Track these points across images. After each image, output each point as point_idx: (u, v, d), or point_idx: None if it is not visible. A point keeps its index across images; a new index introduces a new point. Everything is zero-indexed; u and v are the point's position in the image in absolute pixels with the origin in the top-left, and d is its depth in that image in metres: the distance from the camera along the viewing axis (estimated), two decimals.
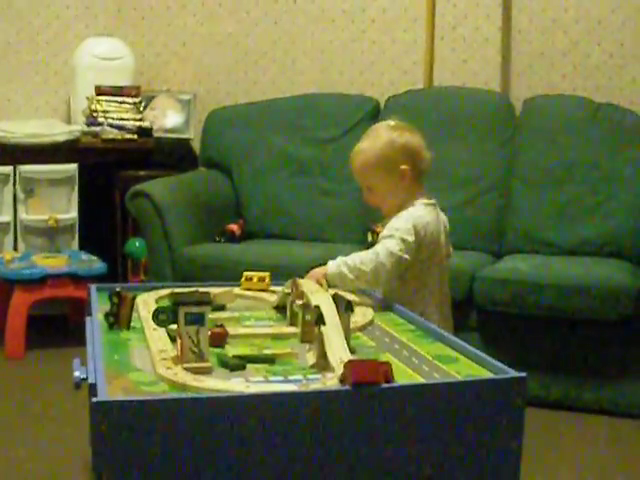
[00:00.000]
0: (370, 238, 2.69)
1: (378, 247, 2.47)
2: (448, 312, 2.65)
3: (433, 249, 2.56)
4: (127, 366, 1.84)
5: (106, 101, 4.56)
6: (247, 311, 2.37)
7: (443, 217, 2.65)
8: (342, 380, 1.66)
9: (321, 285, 2.37)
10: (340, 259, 2.49)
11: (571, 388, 3.42)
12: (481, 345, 3.39)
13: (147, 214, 3.99)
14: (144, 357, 1.89)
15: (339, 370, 1.70)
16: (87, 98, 4.56)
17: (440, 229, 2.59)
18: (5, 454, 2.97)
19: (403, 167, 2.55)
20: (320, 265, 2.53)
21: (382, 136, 2.60)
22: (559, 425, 3.31)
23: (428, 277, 2.56)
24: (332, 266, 2.49)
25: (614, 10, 4.18)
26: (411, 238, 2.47)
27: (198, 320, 1.79)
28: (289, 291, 2.24)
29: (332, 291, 2.14)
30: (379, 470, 1.65)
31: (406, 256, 2.46)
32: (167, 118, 4.81)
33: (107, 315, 2.15)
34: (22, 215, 4.33)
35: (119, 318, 2.14)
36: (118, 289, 2.17)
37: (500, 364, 1.81)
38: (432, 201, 2.60)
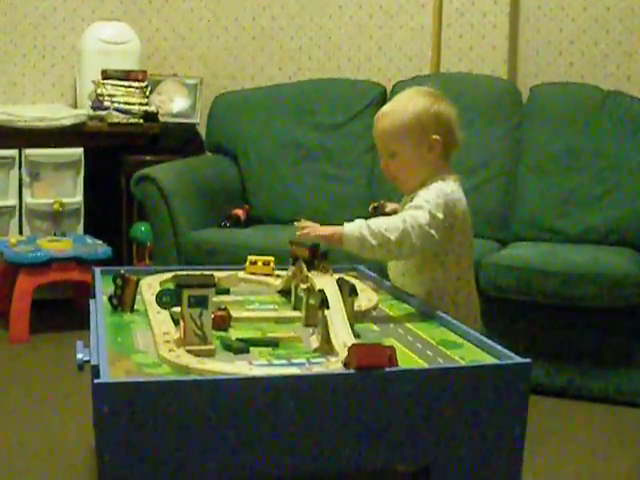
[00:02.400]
0: (374, 205, 2.47)
1: (405, 215, 2.20)
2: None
3: (467, 229, 2.36)
4: (130, 348, 1.84)
5: (112, 85, 4.55)
6: (251, 295, 2.37)
7: None
8: (346, 364, 1.66)
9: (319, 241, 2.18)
10: (361, 220, 2.19)
11: (576, 376, 3.41)
12: (486, 331, 3.38)
13: (152, 199, 3.99)
14: (147, 339, 1.89)
15: (343, 354, 1.70)
16: (93, 82, 4.55)
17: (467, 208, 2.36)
18: (9, 436, 2.97)
19: (435, 137, 2.30)
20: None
21: (417, 100, 2.33)
22: (563, 413, 3.30)
23: (468, 261, 2.38)
24: (351, 227, 2.18)
25: None
26: (441, 215, 2.20)
27: (201, 303, 1.79)
28: (293, 274, 2.24)
29: (337, 275, 2.13)
30: (382, 453, 1.65)
31: (434, 233, 2.18)
32: (173, 103, 4.80)
33: (111, 297, 2.15)
34: (27, 199, 4.33)
35: (123, 300, 2.14)
36: (122, 272, 2.17)
37: (504, 350, 1.81)
38: (458, 178, 2.36)
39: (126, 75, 4.58)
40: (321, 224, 4.03)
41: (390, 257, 2.28)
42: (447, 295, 2.33)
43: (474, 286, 2.44)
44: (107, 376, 1.59)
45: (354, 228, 2.17)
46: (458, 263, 2.35)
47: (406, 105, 2.33)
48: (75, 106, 4.75)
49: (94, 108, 4.51)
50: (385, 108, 2.39)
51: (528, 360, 1.72)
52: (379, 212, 2.45)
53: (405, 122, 2.31)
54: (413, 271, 2.37)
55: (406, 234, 2.15)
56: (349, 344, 1.71)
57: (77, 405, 3.17)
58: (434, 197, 2.23)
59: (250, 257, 2.61)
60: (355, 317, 2.03)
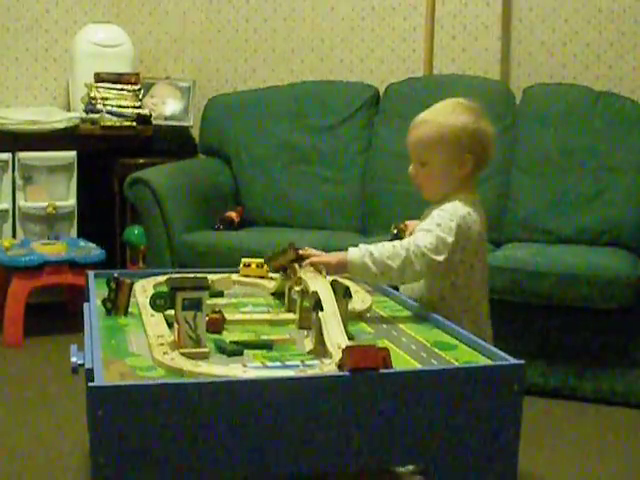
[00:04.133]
0: (394, 231, 2.49)
1: (410, 242, 2.20)
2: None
3: (481, 251, 2.35)
4: (124, 351, 1.83)
5: (105, 88, 4.54)
6: (245, 297, 2.37)
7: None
8: (340, 366, 1.66)
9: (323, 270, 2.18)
10: (365, 248, 2.21)
11: (570, 377, 3.41)
12: None
13: (146, 201, 3.98)
14: (141, 342, 1.89)
15: (337, 356, 1.70)
16: (86, 85, 4.54)
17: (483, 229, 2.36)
18: (4, 440, 2.97)
19: (467, 156, 2.30)
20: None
21: (459, 114, 2.32)
22: (557, 414, 3.30)
23: (480, 283, 2.36)
24: (355, 254, 2.20)
25: None
26: (451, 238, 2.21)
27: (195, 305, 1.79)
28: (286, 276, 2.24)
29: (330, 278, 2.13)
30: (377, 455, 1.65)
31: (438, 258, 2.18)
32: (166, 105, 4.80)
33: (105, 301, 2.15)
34: (21, 202, 4.32)
35: (117, 304, 2.14)
36: (116, 275, 2.17)
37: (498, 351, 1.81)
38: (478, 198, 2.37)
39: (119, 78, 4.57)
40: (314, 226, 4.04)
41: (394, 283, 2.31)
42: (454, 314, 2.28)
43: (486, 309, 2.43)
44: (101, 379, 1.59)
45: (358, 256, 2.19)
46: (468, 285, 2.33)
47: (447, 117, 2.32)
48: (68, 109, 4.74)
49: (87, 111, 4.50)
50: (424, 115, 2.37)
51: (521, 361, 1.73)
52: (399, 235, 2.46)
53: (443, 135, 2.30)
54: (423, 290, 2.36)
55: (408, 262, 2.17)
56: (343, 346, 1.71)
57: (71, 408, 3.16)
58: (447, 220, 2.24)
59: (244, 259, 2.61)
60: (349, 319, 2.03)
